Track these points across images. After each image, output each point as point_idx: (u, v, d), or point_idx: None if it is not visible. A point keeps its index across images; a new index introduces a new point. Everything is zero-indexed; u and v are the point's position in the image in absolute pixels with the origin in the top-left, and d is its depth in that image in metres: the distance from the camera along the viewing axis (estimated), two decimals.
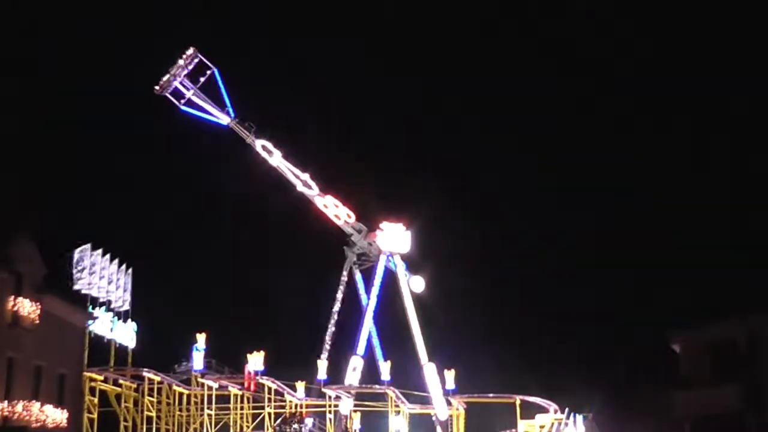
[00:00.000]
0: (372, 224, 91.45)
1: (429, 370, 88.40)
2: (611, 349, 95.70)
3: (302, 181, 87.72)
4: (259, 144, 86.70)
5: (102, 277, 74.69)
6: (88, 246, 73.82)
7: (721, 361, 50.49)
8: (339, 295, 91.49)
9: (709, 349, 51.57)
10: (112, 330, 75.26)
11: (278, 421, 78.93)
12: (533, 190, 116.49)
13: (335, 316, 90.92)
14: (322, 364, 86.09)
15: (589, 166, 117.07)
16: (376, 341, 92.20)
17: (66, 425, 62.68)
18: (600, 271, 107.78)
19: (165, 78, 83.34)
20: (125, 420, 75.83)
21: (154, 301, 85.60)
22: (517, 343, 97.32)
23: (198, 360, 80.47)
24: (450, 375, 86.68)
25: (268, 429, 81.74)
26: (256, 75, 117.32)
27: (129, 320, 77.82)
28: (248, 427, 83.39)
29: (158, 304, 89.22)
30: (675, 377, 55.23)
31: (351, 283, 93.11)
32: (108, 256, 75.79)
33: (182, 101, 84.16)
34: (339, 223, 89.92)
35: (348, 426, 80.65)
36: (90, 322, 72.15)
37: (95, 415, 72.20)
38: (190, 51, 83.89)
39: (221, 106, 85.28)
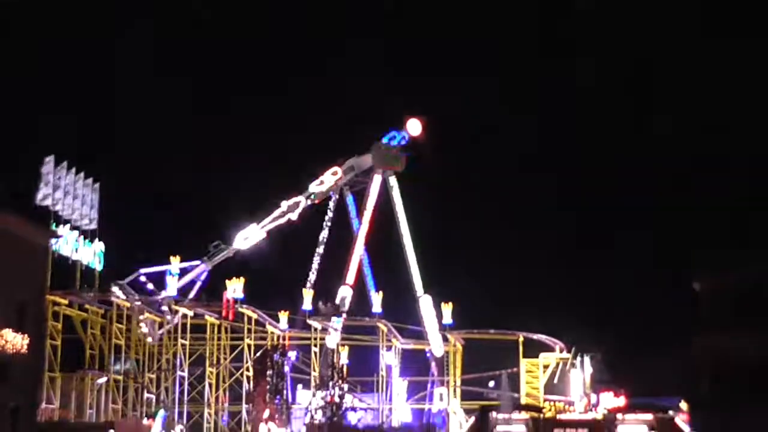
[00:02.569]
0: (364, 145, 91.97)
1: (425, 302, 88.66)
2: (626, 287, 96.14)
3: (288, 210, 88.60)
4: (240, 241, 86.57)
5: (67, 192, 74.00)
6: (51, 159, 73.04)
7: (749, 304, 50.40)
8: (327, 218, 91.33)
9: (736, 291, 51.42)
10: (77, 250, 74.97)
11: (258, 355, 79.23)
12: (545, 112, 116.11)
13: (323, 241, 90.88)
14: (308, 294, 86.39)
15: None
16: (367, 270, 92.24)
17: (27, 351, 62.68)
18: (616, 203, 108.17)
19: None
20: (91, 348, 75.94)
21: (123, 220, 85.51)
22: (523, 276, 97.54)
23: (172, 285, 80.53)
24: (447, 308, 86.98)
25: (247, 362, 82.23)
26: None
27: (96, 240, 77.50)
28: (225, 358, 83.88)
29: (128, 223, 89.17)
30: (696, 320, 55.29)
31: (341, 206, 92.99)
32: (73, 170, 75.10)
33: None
34: (341, 181, 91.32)
35: (335, 361, 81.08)
36: (53, 241, 71.80)
37: (59, 342, 72.31)
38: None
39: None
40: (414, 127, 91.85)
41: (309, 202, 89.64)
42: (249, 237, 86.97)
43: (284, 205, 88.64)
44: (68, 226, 74.09)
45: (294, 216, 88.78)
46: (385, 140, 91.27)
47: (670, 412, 68.00)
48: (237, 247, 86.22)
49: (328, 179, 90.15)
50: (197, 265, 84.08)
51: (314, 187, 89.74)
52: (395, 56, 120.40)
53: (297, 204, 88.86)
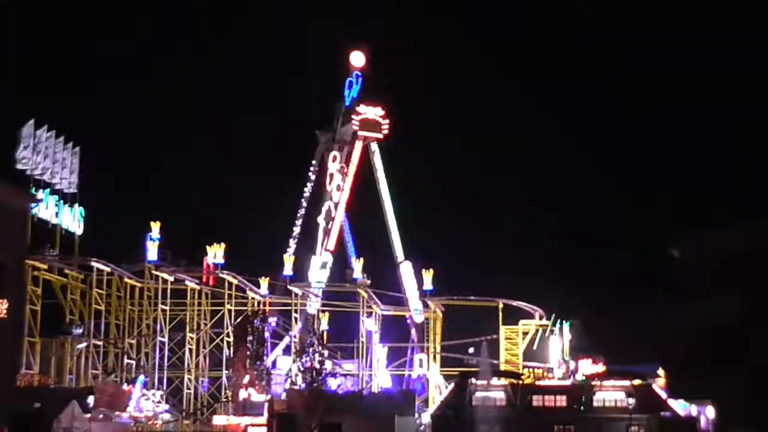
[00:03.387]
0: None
1: (405, 268, 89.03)
2: (606, 253, 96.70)
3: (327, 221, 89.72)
4: (317, 276, 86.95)
5: (46, 156, 73.76)
6: (31, 122, 72.68)
7: (725, 270, 50.58)
8: (308, 185, 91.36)
9: (713, 257, 51.62)
10: (57, 214, 74.78)
11: (239, 320, 79.41)
12: (521, 84, 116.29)
13: (304, 207, 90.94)
14: (288, 260, 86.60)
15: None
16: (348, 236, 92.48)
17: (5, 316, 62.51)
18: (596, 171, 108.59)
19: None
20: (71, 313, 75.94)
21: (104, 184, 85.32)
22: (503, 244, 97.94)
23: (152, 250, 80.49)
24: (428, 275, 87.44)
25: (227, 327, 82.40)
26: None
27: (76, 204, 77.24)
28: (206, 324, 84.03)
29: (109, 188, 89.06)
30: (673, 286, 55.53)
31: (322, 173, 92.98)
32: (53, 133, 74.73)
33: None
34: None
35: (315, 327, 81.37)
36: (33, 205, 71.43)
37: (38, 307, 72.26)
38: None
39: None
40: (357, 58, 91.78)
41: (331, 201, 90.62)
42: (319, 269, 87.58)
43: (321, 220, 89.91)
44: (48, 190, 73.83)
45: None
46: (347, 94, 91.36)
47: (648, 379, 68.72)
48: (317, 286, 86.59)
49: (336, 170, 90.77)
50: None
51: (333, 186, 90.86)
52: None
53: (329, 211, 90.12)
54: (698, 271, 52.69)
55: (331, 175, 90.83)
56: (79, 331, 75.22)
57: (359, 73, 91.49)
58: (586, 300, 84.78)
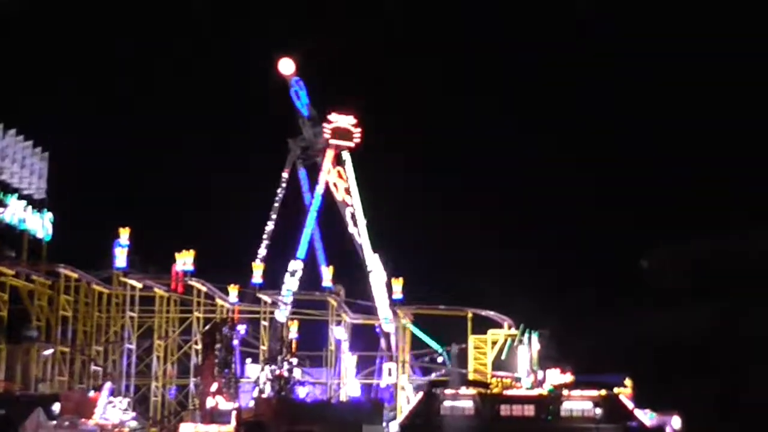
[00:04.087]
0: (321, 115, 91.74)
1: (375, 277, 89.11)
2: (575, 263, 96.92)
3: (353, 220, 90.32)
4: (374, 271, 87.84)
5: (14, 161, 73.45)
6: None
7: (700, 279, 50.81)
8: (279, 192, 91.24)
9: (688, 266, 51.87)
10: (24, 220, 74.34)
11: (207, 328, 79.11)
12: (496, 90, 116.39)
13: (274, 215, 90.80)
14: (258, 267, 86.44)
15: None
16: (318, 244, 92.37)
17: None
18: (565, 178, 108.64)
19: None
20: (38, 319, 75.32)
21: (72, 190, 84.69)
22: (472, 253, 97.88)
23: (120, 257, 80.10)
24: (397, 284, 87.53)
25: (196, 335, 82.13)
26: None
27: (44, 210, 76.86)
28: (174, 332, 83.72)
29: (77, 194, 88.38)
30: (646, 295, 55.75)
31: (293, 180, 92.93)
32: (22, 137, 74.41)
33: None
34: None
35: (284, 335, 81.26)
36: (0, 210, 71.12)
37: (5, 313, 71.74)
38: None
39: None
40: (286, 66, 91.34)
41: (352, 207, 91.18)
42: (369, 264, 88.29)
43: (352, 230, 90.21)
44: (16, 195, 73.41)
45: (362, 224, 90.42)
46: (299, 105, 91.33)
47: (615, 389, 68.95)
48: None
49: (339, 182, 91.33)
50: None
51: (342, 193, 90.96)
52: None
53: (353, 215, 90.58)
54: (668, 282, 53.09)
55: (335, 185, 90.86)
56: (34, 334, 74.35)
57: (298, 79, 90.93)
58: (555, 310, 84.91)
